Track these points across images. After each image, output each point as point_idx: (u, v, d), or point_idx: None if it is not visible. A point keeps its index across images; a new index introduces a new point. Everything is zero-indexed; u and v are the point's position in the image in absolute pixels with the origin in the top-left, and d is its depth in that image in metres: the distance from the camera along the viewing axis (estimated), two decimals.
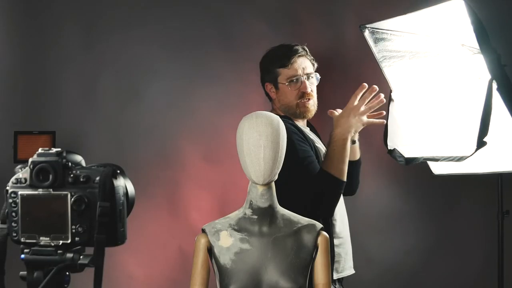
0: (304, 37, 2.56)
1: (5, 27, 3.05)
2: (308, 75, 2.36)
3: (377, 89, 2.25)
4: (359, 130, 2.26)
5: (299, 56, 2.35)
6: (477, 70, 2.22)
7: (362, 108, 2.20)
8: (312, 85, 2.38)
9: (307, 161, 2.19)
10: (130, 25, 3.02)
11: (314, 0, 3.05)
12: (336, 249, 2.26)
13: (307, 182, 2.14)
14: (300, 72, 2.34)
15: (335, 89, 2.92)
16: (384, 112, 2.30)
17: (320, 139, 2.47)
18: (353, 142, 2.35)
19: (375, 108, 2.24)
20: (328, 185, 2.16)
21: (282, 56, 2.35)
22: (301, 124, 2.40)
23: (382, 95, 2.26)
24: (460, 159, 2.09)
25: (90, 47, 3.03)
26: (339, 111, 2.28)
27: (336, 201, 2.20)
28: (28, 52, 3.05)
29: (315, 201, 2.14)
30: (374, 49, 2.40)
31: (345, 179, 2.19)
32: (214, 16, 3.04)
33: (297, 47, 2.36)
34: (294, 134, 2.20)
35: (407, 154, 2.29)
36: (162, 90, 3.03)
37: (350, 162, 2.39)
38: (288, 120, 2.27)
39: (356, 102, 2.22)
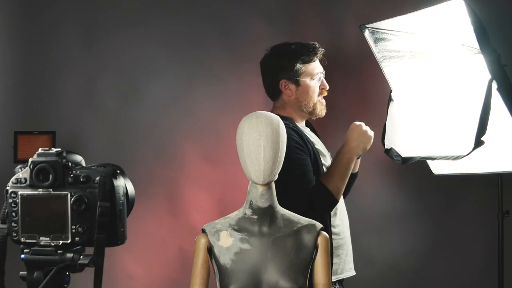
0: (304, 37, 2.55)
1: (5, 27, 3.05)
2: (323, 74, 2.40)
3: None
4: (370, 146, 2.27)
5: (319, 54, 2.38)
6: (477, 70, 2.21)
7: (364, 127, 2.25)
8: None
9: (300, 170, 2.15)
10: (130, 25, 3.02)
11: (314, 0, 3.05)
12: (335, 251, 2.25)
13: (297, 191, 2.10)
14: (321, 69, 2.38)
15: (335, 89, 2.91)
16: None
17: (320, 139, 2.46)
18: (358, 156, 2.36)
19: None
20: (322, 199, 2.16)
21: (306, 52, 2.35)
22: (301, 124, 2.39)
23: None
24: (456, 158, 2.08)
25: (90, 47, 3.03)
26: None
27: (324, 214, 2.19)
28: (28, 52, 3.04)
29: (303, 208, 2.02)
30: (374, 49, 2.40)
31: (339, 199, 2.20)
32: (214, 16, 3.04)
33: (317, 45, 2.37)
34: (291, 140, 2.14)
35: (404, 154, 2.29)
36: (162, 90, 3.03)
37: None
38: (289, 123, 2.24)
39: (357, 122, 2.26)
